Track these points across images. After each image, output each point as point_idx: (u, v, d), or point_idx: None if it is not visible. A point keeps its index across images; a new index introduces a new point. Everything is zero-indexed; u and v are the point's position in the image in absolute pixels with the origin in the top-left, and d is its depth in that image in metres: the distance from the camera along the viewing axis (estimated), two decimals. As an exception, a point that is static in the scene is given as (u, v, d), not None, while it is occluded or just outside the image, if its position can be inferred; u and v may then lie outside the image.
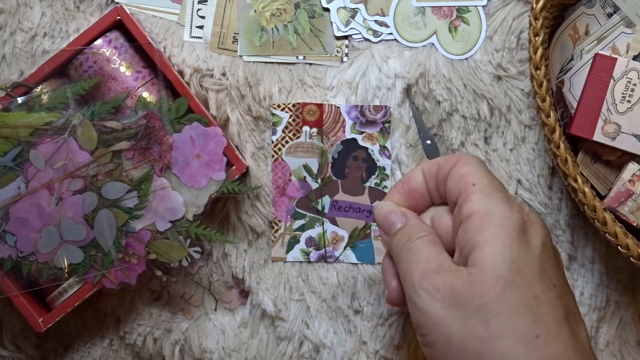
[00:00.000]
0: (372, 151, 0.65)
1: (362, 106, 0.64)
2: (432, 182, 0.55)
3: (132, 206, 0.60)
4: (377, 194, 0.65)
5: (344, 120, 0.65)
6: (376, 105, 0.64)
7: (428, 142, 0.65)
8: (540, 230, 0.50)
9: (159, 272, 0.61)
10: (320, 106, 0.65)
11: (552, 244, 0.52)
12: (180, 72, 0.65)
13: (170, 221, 0.60)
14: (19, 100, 0.60)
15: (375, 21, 0.65)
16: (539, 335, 0.47)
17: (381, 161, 0.65)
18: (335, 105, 0.65)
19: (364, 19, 0.65)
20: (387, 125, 0.65)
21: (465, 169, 0.52)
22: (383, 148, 0.65)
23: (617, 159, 0.59)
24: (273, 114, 0.65)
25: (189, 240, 0.61)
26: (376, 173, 0.65)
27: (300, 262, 0.66)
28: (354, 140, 0.65)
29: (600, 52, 0.58)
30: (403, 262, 0.52)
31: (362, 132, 0.65)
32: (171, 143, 0.60)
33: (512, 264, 0.48)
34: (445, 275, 0.49)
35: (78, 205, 0.59)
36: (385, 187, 0.65)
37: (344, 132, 0.65)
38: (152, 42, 0.62)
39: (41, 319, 0.61)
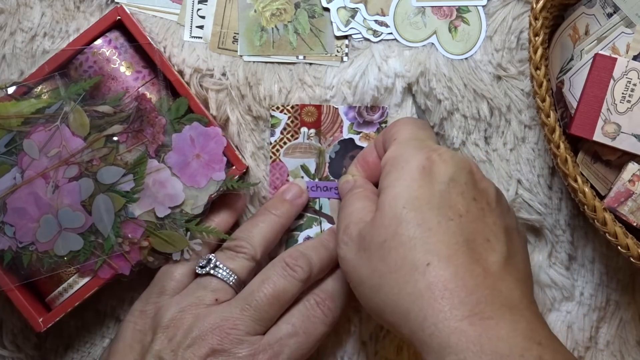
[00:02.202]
0: (369, 151, 0.65)
1: (359, 107, 0.64)
2: (381, 151, 0.59)
3: (128, 189, 0.60)
4: (375, 194, 0.65)
5: (341, 120, 0.65)
6: (373, 106, 0.64)
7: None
8: (450, 167, 0.53)
9: (151, 257, 0.61)
10: (318, 107, 0.65)
11: (470, 179, 0.54)
12: (180, 72, 0.65)
13: (169, 207, 0.60)
14: (9, 90, 0.60)
15: (375, 21, 0.65)
16: (429, 263, 0.49)
17: (378, 161, 0.65)
18: (333, 107, 0.65)
19: (364, 18, 0.65)
20: (383, 125, 0.65)
21: (395, 129, 0.58)
22: (380, 148, 0.65)
23: (617, 159, 0.59)
24: (272, 116, 0.65)
25: (189, 233, 0.61)
26: (373, 173, 0.65)
27: (300, 262, 0.66)
28: (351, 140, 0.65)
29: (600, 52, 0.58)
30: (337, 220, 0.58)
31: (359, 132, 0.65)
32: (164, 124, 0.60)
33: (407, 202, 0.51)
34: (360, 225, 0.53)
35: (75, 192, 0.59)
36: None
37: (341, 132, 0.65)
38: (152, 42, 0.62)
39: (41, 319, 0.61)
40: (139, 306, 0.60)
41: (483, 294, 0.48)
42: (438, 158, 0.53)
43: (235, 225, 0.65)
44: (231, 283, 0.59)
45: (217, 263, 0.59)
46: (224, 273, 0.59)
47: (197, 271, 0.60)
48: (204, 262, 0.60)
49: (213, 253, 0.61)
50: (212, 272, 0.59)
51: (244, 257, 0.60)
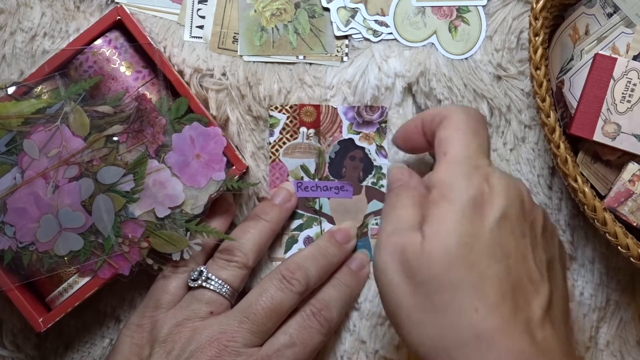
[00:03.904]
0: (369, 151, 0.65)
1: (358, 107, 0.64)
2: (428, 129, 0.56)
3: (128, 190, 0.60)
4: (375, 193, 0.65)
5: (340, 120, 0.65)
6: (372, 106, 0.64)
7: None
8: (502, 200, 0.50)
9: (150, 260, 0.61)
10: (317, 107, 0.65)
11: (520, 211, 0.51)
12: (180, 72, 0.65)
13: (169, 207, 0.60)
14: (9, 90, 0.60)
15: (375, 21, 0.65)
16: (477, 309, 0.48)
17: (378, 161, 0.65)
18: (332, 107, 0.65)
19: (364, 18, 0.65)
20: (383, 125, 0.65)
21: (445, 133, 0.54)
22: (380, 148, 0.65)
23: (617, 159, 0.59)
24: (270, 116, 0.65)
25: (189, 234, 0.61)
26: (373, 172, 0.65)
27: (300, 262, 0.66)
28: (350, 140, 0.65)
29: (600, 52, 0.58)
30: (385, 215, 0.54)
31: (358, 132, 0.65)
32: (164, 124, 0.60)
33: (460, 239, 0.49)
34: (406, 239, 0.51)
35: (75, 192, 0.60)
36: (382, 186, 0.65)
37: (340, 132, 0.65)
38: (152, 42, 0.62)
39: (41, 319, 0.61)
40: (136, 320, 0.60)
41: (525, 346, 0.48)
42: (489, 190, 0.51)
43: (232, 226, 0.65)
44: (224, 294, 0.60)
45: (209, 275, 0.60)
46: (216, 284, 0.60)
47: (189, 284, 0.60)
48: (196, 275, 0.60)
49: (204, 264, 0.61)
50: (204, 284, 0.60)
51: (236, 265, 0.61)
